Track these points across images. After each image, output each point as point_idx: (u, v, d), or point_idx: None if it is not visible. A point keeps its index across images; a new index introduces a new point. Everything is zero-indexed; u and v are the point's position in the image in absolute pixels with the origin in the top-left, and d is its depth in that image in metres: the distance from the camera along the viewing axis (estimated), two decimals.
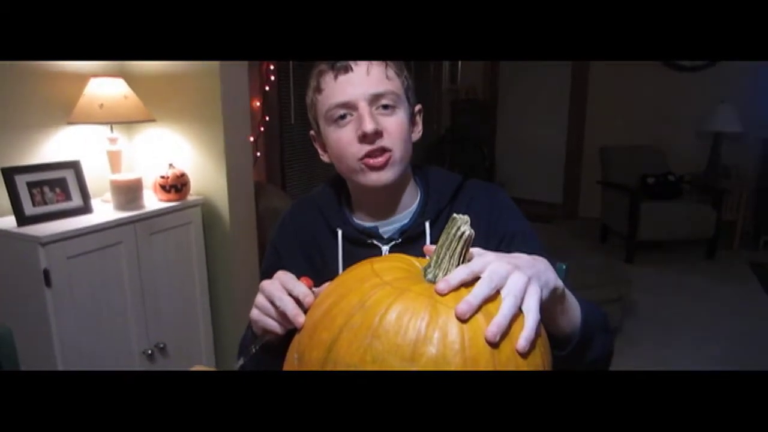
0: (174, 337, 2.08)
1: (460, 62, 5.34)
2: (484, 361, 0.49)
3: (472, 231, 0.57)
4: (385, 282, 0.56)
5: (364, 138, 0.83)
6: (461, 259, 0.58)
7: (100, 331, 1.81)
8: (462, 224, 0.57)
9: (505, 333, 0.51)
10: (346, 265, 0.87)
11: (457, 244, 0.57)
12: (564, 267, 1.16)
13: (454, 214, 0.59)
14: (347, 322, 0.53)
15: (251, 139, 2.34)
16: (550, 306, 0.63)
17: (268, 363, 0.82)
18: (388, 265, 0.61)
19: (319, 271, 0.91)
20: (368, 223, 0.94)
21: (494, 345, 0.50)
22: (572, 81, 5.16)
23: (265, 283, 0.71)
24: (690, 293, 3.49)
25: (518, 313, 0.53)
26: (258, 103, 3.00)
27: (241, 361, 0.76)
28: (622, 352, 2.67)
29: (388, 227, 0.93)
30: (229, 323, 2.30)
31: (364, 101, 0.83)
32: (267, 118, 3.07)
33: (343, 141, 0.85)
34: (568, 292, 0.69)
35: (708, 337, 2.91)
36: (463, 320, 0.51)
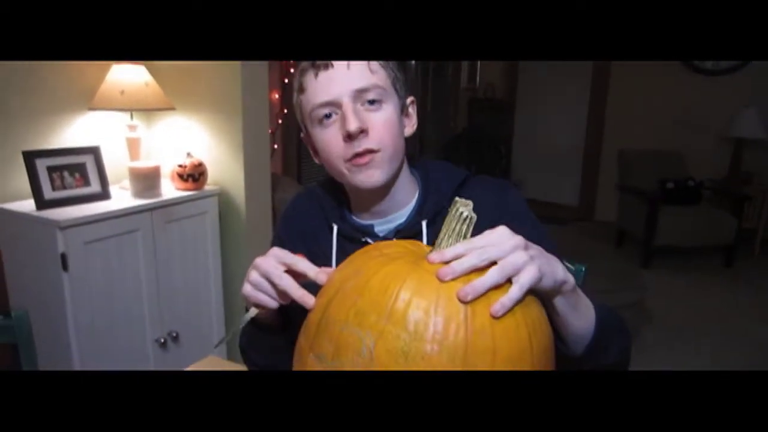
0: (187, 326, 2.08)
1: (479, 61, 5.31)
2: (455, 324, 0.51)
3: (474, 214, 0.59)
4: (383, 254, 0.61)
5: (349, 137, 0.79)
6: (461, 239, 0.60)
7: (115, 317, 1.82)
8: (461, 206, 0.60)
9: (485, 299, 0.53)
10: (339, 260, 0.85)
11: (456, 224, 0.59)
12: (583, 269, 1.15)
13: (456, 198, 0.61)
14: (342, 285, 0.58)
15: (269, 131, 2.33)
16: (557, 300, 0.63)
17: (260, 337, 0.84)
18: (395, 243, 0.66)
19: (316, 264, 0.90)
20: (365, 221, 0.92)
21: (466, 304, 0.52)
22: (592, 82, 5.11)
23: (260, 260, 0.70)
24: (707, 300, 3.44)
25: (505, 284, 0.55)
26: (277, 96, 3.00)
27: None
28: (637, 357, 2.63)
29: (384, 226, 0.90)
30: (241, 314, 2.30)
31: (347, 98, 0.79)
32: (285, 111, 3.07)
33: (329, 141, 0.82)
34: (580, 292, 0.68)
35: (725, 345, 2.87)
36: (442, 281, 0.54)
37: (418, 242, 0.68)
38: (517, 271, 0.55)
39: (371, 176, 0.82)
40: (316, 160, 0.91)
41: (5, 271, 1.82)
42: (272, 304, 0.70)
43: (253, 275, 0.71)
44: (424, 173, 0.93)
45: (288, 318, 0.81)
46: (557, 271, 0.60)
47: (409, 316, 0.51)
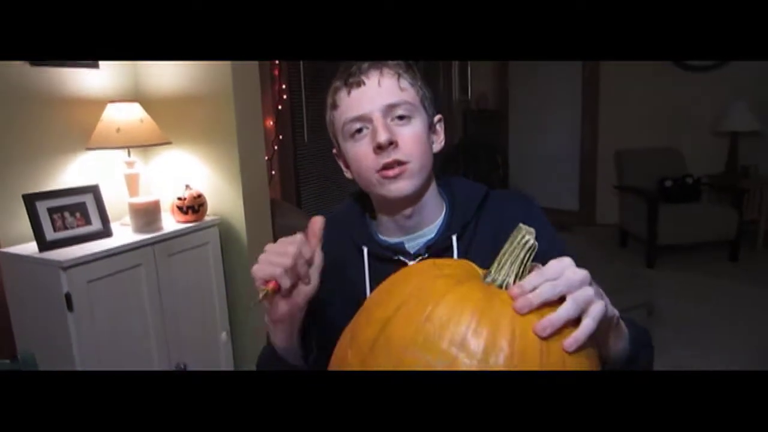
0: (194, 357, 2.08)
1: (469, 73, 5.35)
2: (531, 357, 0.51)
3: (537, 242, 0.59)
4: (444, 274, 0.59)
5: (379, 149, 0.82)
6: (522, 267, 0.60)
7: (122, 354, 1.82)
8: (526, 233, 0.59)
9: (558, 334, 0.53)
10: (374, 282, 0.86)
11: (520, 252, 0.59)
12: None
13: (520, 224, 0.61)
14: (403, 303, 0.56)
15: (266, 157, 2.35)
16: (605, 330, 0.65)
17: (279, 367, 0.83)
18: (449, 263, 0.65)
19: (346, 289, 0.89)
20: (394, 239, 0.92)
21: (542, 339, 0.52)
22: (583, 85, 5.14)
23: (270, 245, 0.74)
24: (714, 297, 3.42)
25: (575, 319, 0.55)
26: (271, 122, 3.02)
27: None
28: None
29: (414, 242, 0.91)
30: (248, 343, 2.30)
31: (378, 112, 0.83)
32: (281, 137, 3.09)
33: (360, 154, 0.85)
34: (620, 321, 0.70)
35: (734, 340, 2.85)
36: (519, 313, 0.54)
37: (469, 263, 0.67)
38: (588, 305, 0.56)
39: (400, 187, 0.85)
40: (348, 175, 0.94)
41: (10, 314, 1.82)
42: (278, 272, 0.71)
43: (263, 255, 0.73)
44: (449, 189, 0.96)
45: (309, 347, 0.82)
46: (609, 306, 0.62)
47: (485, 347, 0.51)
